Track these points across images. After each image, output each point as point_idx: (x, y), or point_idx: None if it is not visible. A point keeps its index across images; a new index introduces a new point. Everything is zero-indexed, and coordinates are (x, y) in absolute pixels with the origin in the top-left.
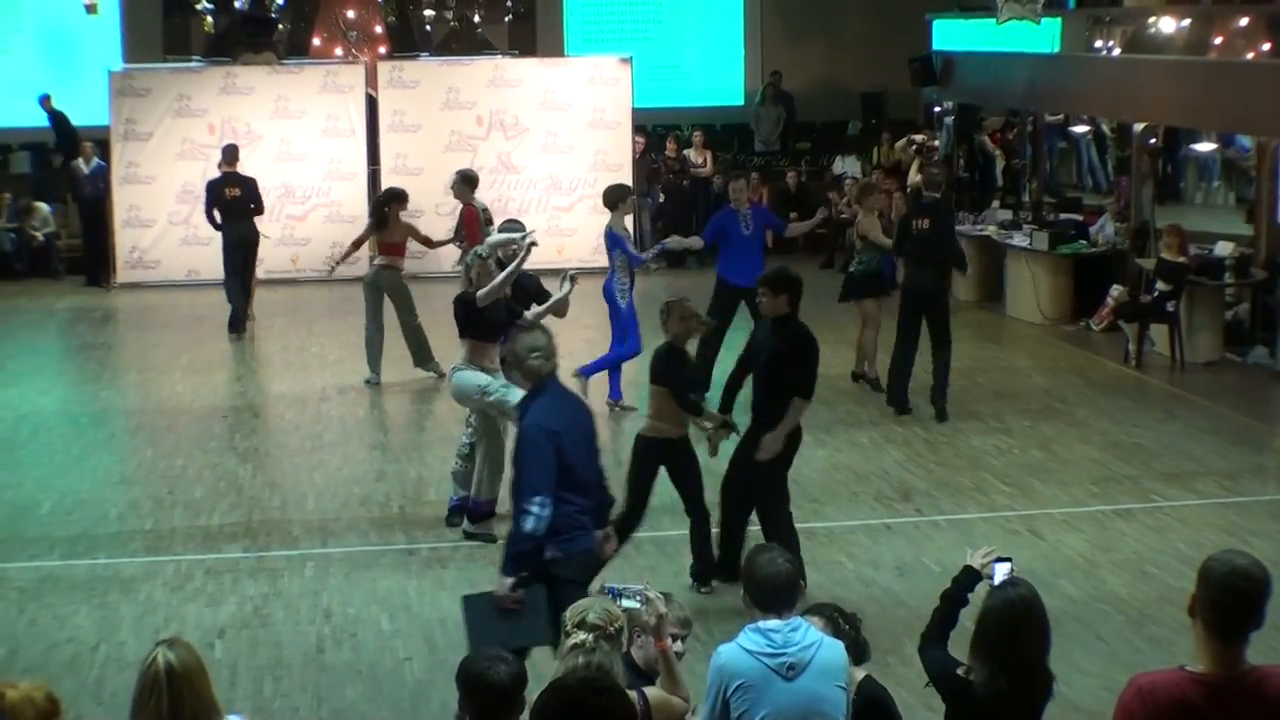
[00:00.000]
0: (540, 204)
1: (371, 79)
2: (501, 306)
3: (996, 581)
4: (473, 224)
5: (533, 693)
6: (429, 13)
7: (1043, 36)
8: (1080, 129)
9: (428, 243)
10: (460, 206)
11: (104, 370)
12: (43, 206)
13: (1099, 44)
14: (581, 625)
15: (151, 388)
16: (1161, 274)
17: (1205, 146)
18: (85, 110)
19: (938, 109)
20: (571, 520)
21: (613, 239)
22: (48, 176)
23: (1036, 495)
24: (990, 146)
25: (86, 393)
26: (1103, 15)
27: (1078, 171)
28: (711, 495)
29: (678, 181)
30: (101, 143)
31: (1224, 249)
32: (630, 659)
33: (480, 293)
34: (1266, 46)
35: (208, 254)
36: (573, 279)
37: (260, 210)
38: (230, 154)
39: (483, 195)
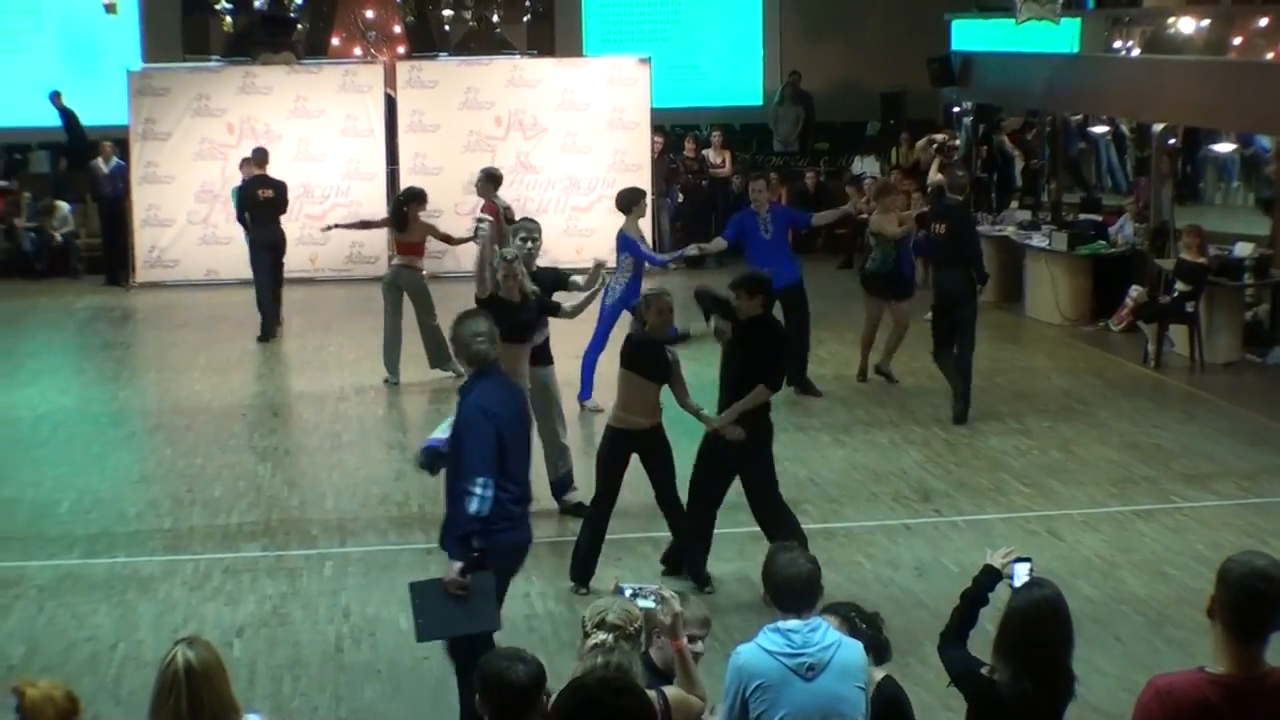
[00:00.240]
0: (559, 204)
1: (390, 79)
2: (532, 306)
3: (1016, 582)
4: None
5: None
6: (448, 12)
7: (1062, 37)
8: (1099, 129)
9: (448, 240)
10: (481, 203)
11: (123, 369)
12: (63, 205)
13: (1118, 44)
14: (601, 625)
15: (170, 387)
16: (1181, 274)
17: (1225, 147)
18: (104, 110)
19: (956, 109)
20: (504, 510)
21: (624, 242)
22: (66, 176)
23: (1055, 496)
24: (1009, 147)
25: (105, 392)
26: (1122, 15)
27: (1097, 172)
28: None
29: (696, 182)
30: (120, 142)
31: (1243, 249)
32: (649, 659)
33: (477, 291)
34: None
35: (227, 253)
36: (601, 264)
37: (285, 210)
38: (261, 157)
39: (501, 195)
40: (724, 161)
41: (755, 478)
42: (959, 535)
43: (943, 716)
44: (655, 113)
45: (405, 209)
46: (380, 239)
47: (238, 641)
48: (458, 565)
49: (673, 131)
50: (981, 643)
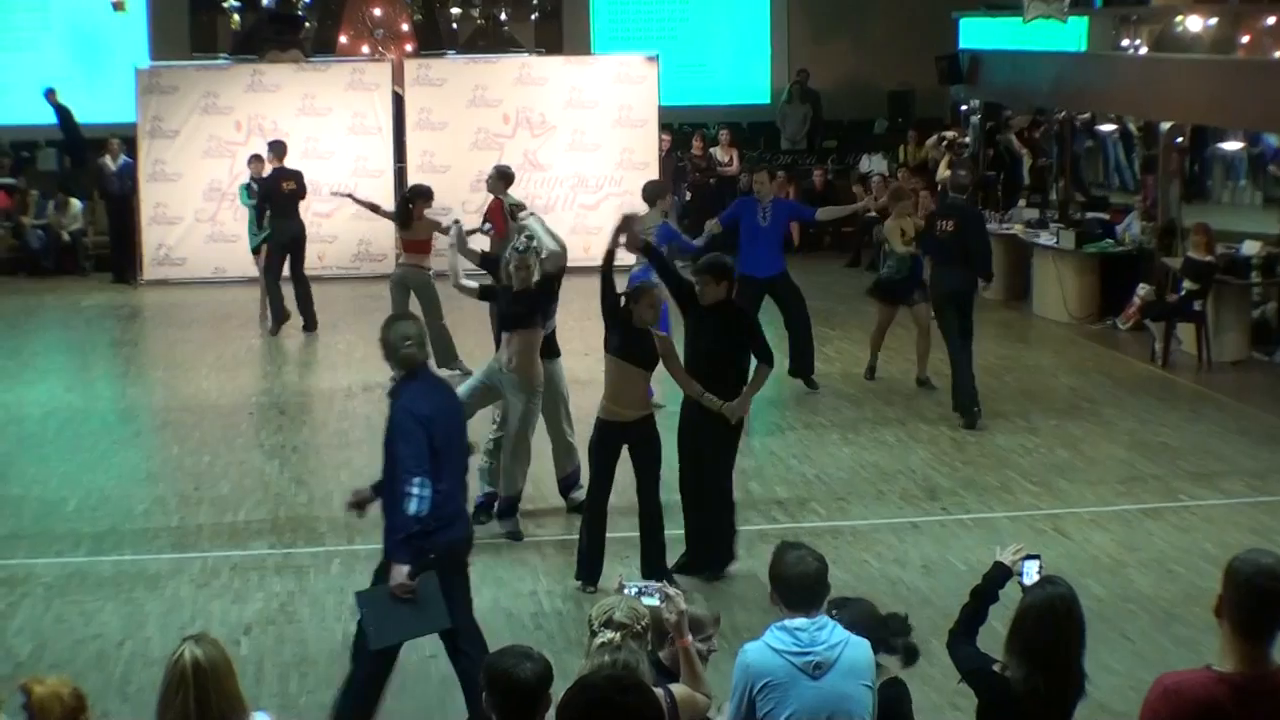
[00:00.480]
0: (567, 202)
1: (398, 76)
2: (539, 294)
3: (1025, 579)
4: (498, 215)
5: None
6: (455, 10)
7: (1069, 35)
8: (1107, 128)
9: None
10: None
11: (130, 367)
12: (75, 203)
13: (1125, 43)
14: (608, 624)
15: (178, 384)
16: (1188, 273)
17: (1232, 145)
18: (112, 107)
19: (964, 107)
20: (440, 510)
21: (667, 232)
22: (75, 174)
23: (1063, 494)
24: (1017, 145)
25: (113, 389)
26: (1129, 14)
27: (1105, 170)
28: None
29: (704, 180)
30: (128, 140)
31: (1251, 248)
32: (656, 657)
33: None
34: None
35: (234, 251)
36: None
37: (304, 196)
38: (281, 150)
39: (511, 193)
40: (731, 159)
41: (724, 459)
42: (966, 533)
43: (950, 715)
44: (663, 111)
45: (410, 206)
46: (387, 237)
47: (245, 639)
48: (404, 569)
49: (680, 129)
50: (987, 641)
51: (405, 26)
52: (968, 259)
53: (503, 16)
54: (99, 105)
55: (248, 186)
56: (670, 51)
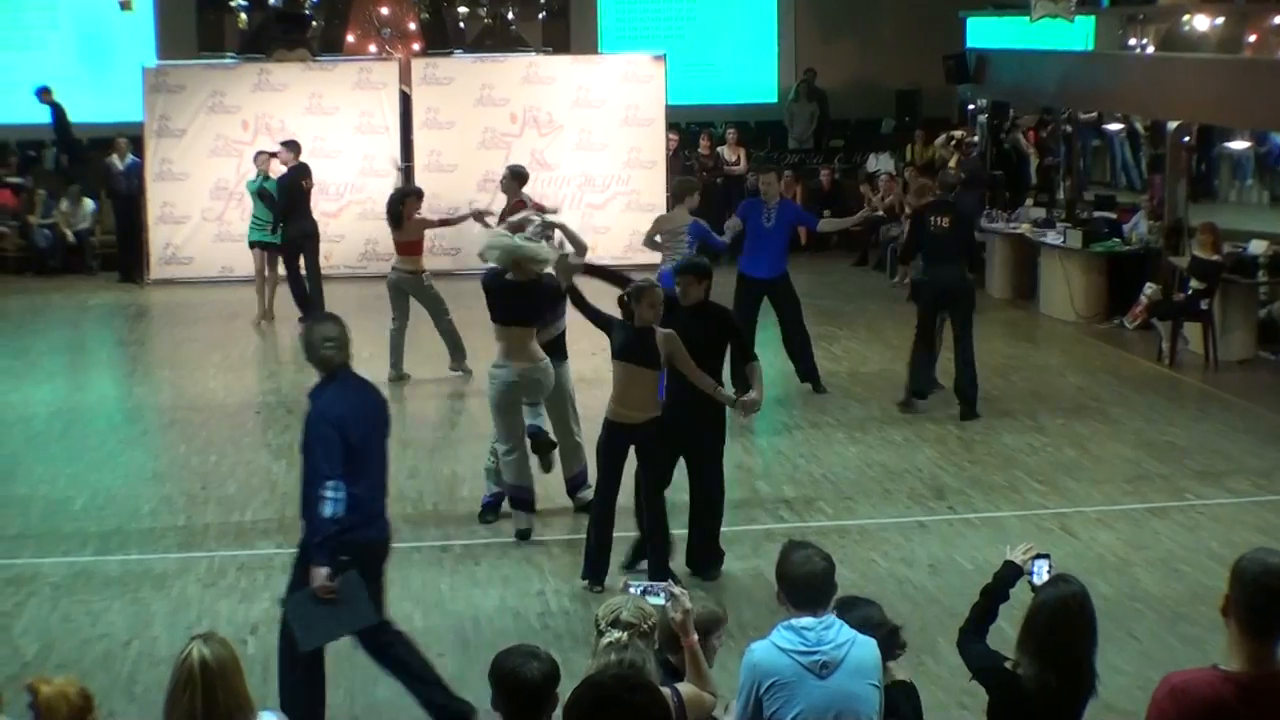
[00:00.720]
0: (574, 201)
1: (405, 76)
2: (546, 288)
3: (1036, 579)
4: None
5: (565, 690)
6: (463, 9)
7: (1076, 34)
8: (1114, 127)
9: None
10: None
11: (137, 366)
12: (88, 202)
13: (1133, 42)
14: (615, 623)
15: (184, 384)
16: (1195, 272)
17: (1239, 144)
18: (119, 107)
19: (971, 107)
20: (356, 510)
21: (697, 230)
22: (82, 173)
23: (1070, 493)
24: (1024, 144)
25: (119, 389)
26: (1136, 13)
27: (1111, 169)
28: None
29: (711, 179)
30: (135, 139)
31: (1258, 247)
32: (663, 656)
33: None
34: None
35: (241, 250)
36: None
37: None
38: (297, 147)
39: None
40: (739, 159)
41: (713, 460)
42: (973, 532)
43: (957, 714)
44: (670, 110)
45: (401, 206)
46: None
47: (252, 638)
48: (323, 571)
49: (688, 129)
50: (995, 640)
51: (412, 25)
52: (961, 256)
53: (510, 16)
54: (106, 104)
55: (260, 188)
56: (677, 51)
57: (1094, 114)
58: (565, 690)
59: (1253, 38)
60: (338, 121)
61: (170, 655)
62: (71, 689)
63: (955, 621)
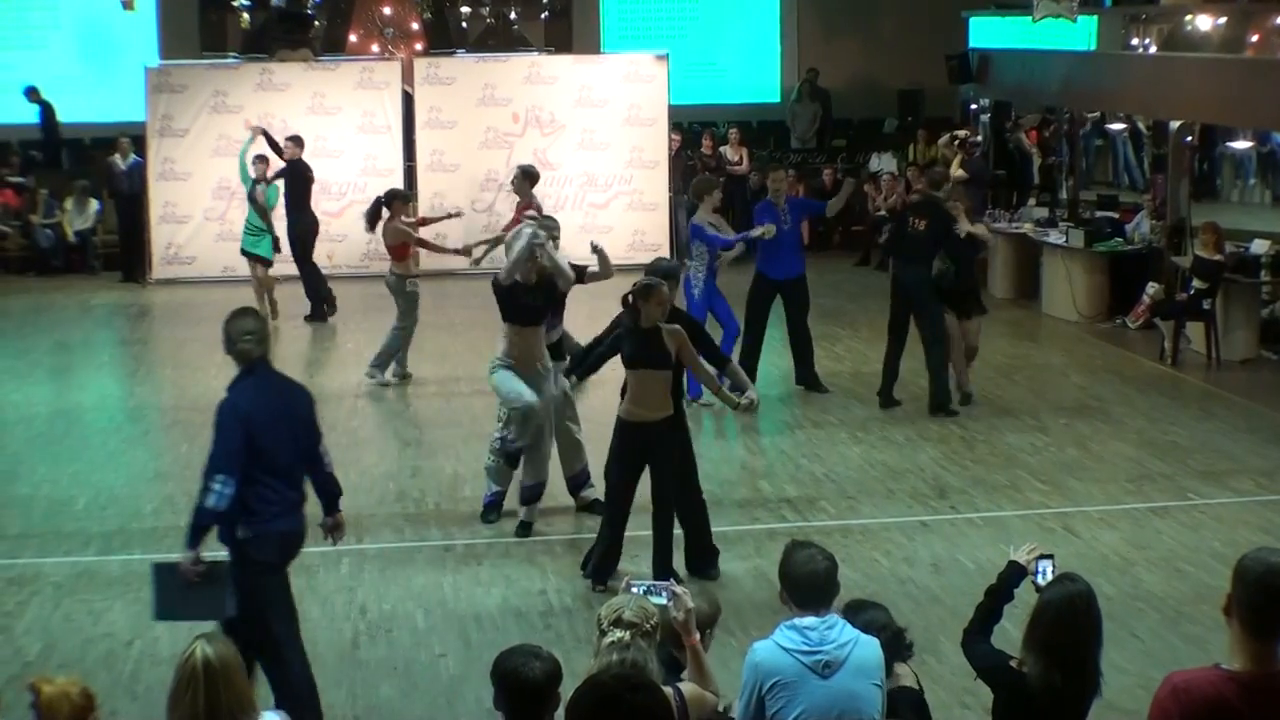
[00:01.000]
0: (576, 201)
1: (407, 75)
2: (539, 289)
3: (1040, 579)
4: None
5: (567, 690)
6: (465, 9)
7: (1079, 34)
8: (1116, 126)
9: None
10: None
11: (139, 366)
12: (94, 202)
13: (1135, 41)
14: (618, 623)
15: (186, 383)
16: (1197, 271)
17: (1241, 144)
18: (122, 106)
19: (974, 106)
20: (266, 502)
21: (694, 230)
22: (84, 172)
23: (1072, 493)
24: (1027, 144)
25: (122, 388)
26: (1139, 13)
27: (1114, 169)
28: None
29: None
30: (138, 139)
31: (1260, 246)
32: (667, 655)
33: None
34: None
35: None
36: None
37: None
38: (301, 141)
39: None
40: (741, 159)
41: (685, 458)
42: (976, 532)
43: (959, 714)
44: (673, 109)
45: (377, 210)
46: None
47: None
48: (190, 554)
49: (690, 128)
50: (999, 640)
51: (415, 25)
52: (928, 259)
53: (512, 15)
54: (108, 104)
55: (289, 175)
56: (680, 50)
57: (1096, 113)
58: (567, 690)
59: (1255, 37)
60: (340, 121)
61: (172, 655)
62: (73, 689)
63: (957, 621)
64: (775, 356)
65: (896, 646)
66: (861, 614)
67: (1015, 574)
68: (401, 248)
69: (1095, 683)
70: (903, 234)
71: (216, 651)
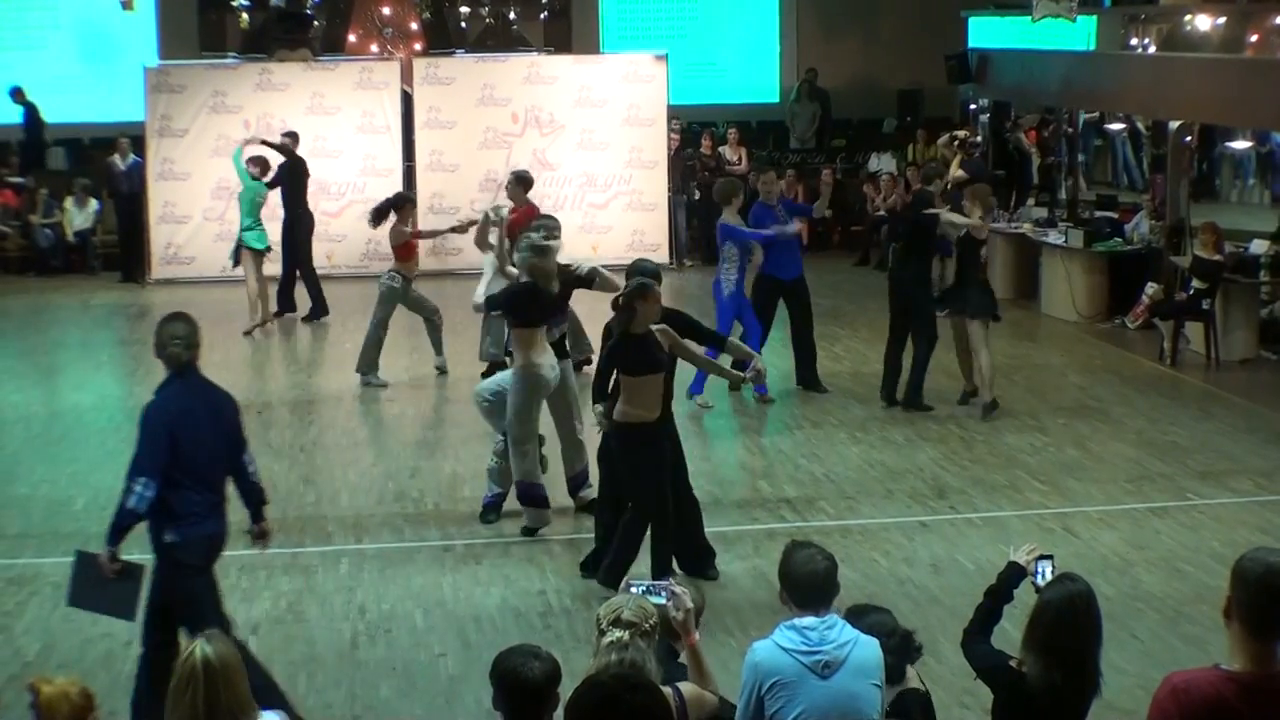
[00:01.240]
0: (575, 201)
1: (407, 75)
2: (547, 290)
3: (1039, 580)
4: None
5: (567, 689)
6: (464, 9)
7: (1078, 34)
8: (1116, 126)
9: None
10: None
11: (139, 366)
12: (94, 202)
13: (1134, 42)
14: (617, 623)
15: None
16: (1197, 272)
17: (1241, 144)
18: (121, 106)
19: (973, 106)
20: (190, 506)
21: (724, 231)
22: (84, 172)
23: (1071, 493)
24: (1026, 144)
25: (121, 388)
26: (1138, 13)
27: (1113, 169)
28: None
29: (713, 179)
30: (137, 139)
31: (1259, 246)
32: (668, 651)
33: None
34: None
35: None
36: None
37: None
38: (297, 138)
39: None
40: (740, 159)
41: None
42: (975, 532)
43: (958, 714)
44: (672, 109)
45: (385, 211)
46: None
47: (253, 638)
48: (109, 550)
49: (689, 128)
50: (998, 641)
51: (414, 25)
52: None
53: (511, 15)
54: (108, 104)
55: (290, 171)
56: (679, 50)
57: (1095, 114)
58: (566, 690)
59: (1254, 38)
60: (339, 121)
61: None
62: (73, 689)
63: (957, 621)
64: (775, 357)
65: (906, 649)
66: (865, 618)
67: (1015, 574)
68: (405, 248)
69: (1095, 683)
70: (900, 230)
71: (216, 651)
